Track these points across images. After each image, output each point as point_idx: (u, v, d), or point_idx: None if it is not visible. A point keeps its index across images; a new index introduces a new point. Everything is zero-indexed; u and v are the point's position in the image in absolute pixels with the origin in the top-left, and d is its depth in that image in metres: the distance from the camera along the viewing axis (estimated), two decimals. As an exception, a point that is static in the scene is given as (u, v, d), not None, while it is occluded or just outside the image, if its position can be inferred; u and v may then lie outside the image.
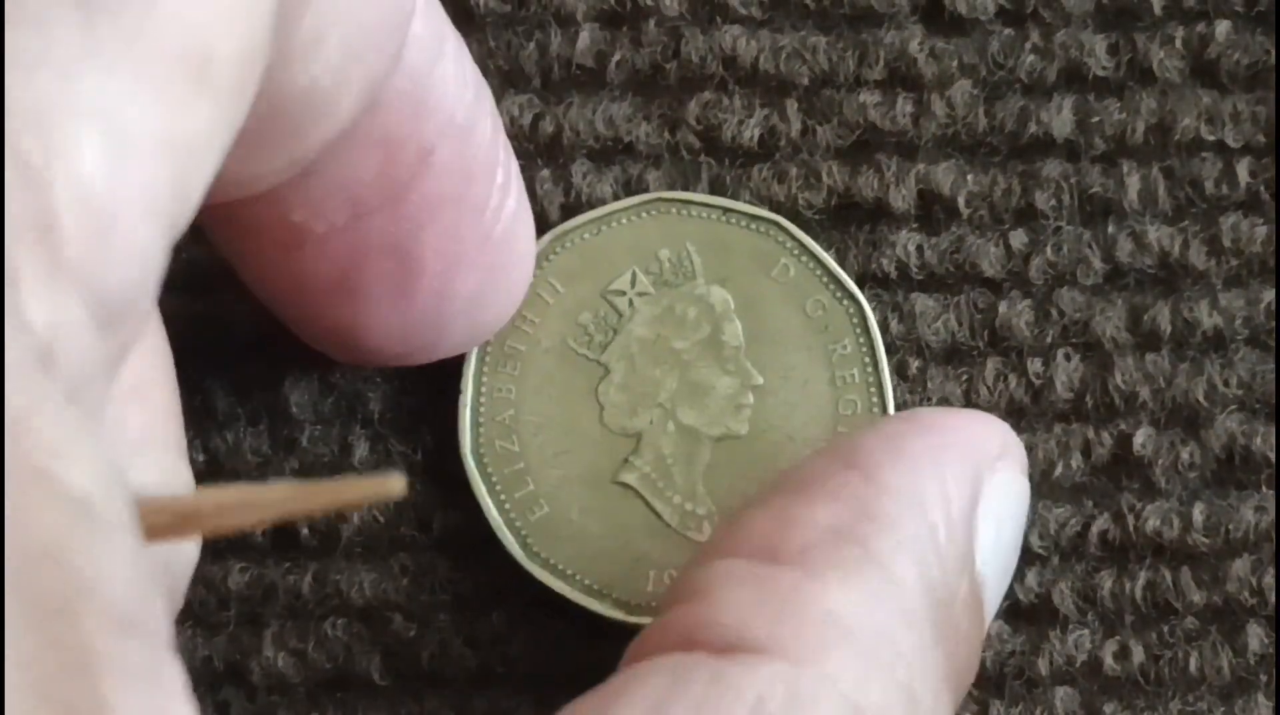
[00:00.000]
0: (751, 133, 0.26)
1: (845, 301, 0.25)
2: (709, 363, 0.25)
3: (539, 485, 0.25)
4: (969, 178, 0.26)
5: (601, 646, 0.25)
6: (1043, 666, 0.25)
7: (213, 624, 0.25)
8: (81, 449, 0.13)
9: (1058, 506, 0.26)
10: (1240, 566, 0.25)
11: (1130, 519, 0.25)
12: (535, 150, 0.26)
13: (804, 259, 0.25)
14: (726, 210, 0.26)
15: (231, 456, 0.26)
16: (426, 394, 0.26)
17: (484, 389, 0.25)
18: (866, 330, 0.25)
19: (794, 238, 0.25)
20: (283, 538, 0.26)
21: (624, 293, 0.25)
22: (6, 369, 0.13)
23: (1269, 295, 0.26)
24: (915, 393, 0.26)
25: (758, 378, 0.25)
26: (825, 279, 0.25)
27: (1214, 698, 0.25)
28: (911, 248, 0.26)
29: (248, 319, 0.25)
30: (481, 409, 0.25)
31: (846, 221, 0.26)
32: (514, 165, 0.23)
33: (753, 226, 0.25)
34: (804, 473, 0.21)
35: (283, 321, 0.24)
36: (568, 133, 0.26)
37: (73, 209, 0.13)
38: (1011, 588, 0.25)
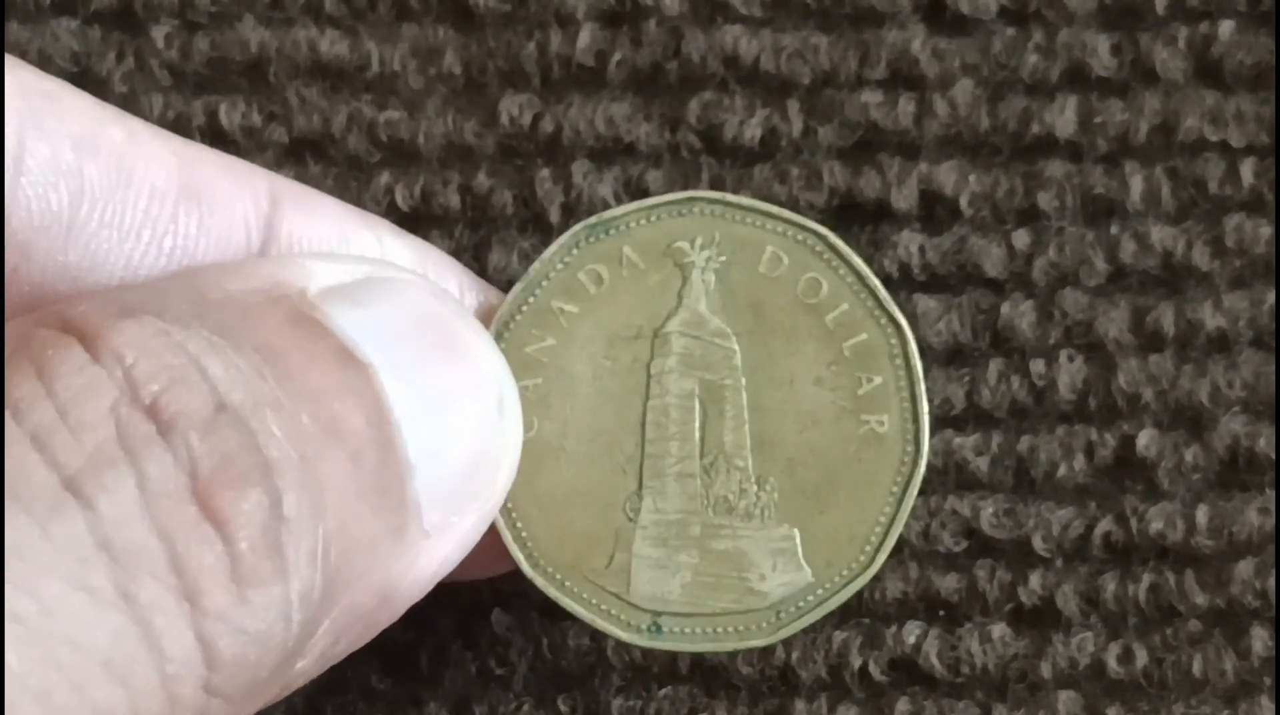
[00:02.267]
0: (753, 133, 0.26)
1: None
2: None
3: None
4: (971, 178, 0.26)
5: (600, 648, 0.25)
6: (1045, 669, 0.25)
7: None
8: None
9: (1061, 508, 0.26)
10: (1244, 569, 0.25)
11: (1133, 521, 0.25)
12: (535, 150, 0.26)
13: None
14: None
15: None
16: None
17: None
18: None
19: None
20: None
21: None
22: None
23: (1273, 296, 0.26)
24: (917, 394, 0.26)
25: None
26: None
27: (1217, 700, 0.25)
28: (914, 248, 0.26)
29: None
30: None
31: (848, 222, 0.26)
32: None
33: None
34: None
35: None
36: (568, 133, 0.26)
37: None
38: (1014, 590, 0.25)
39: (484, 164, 0.26)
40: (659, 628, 0.24)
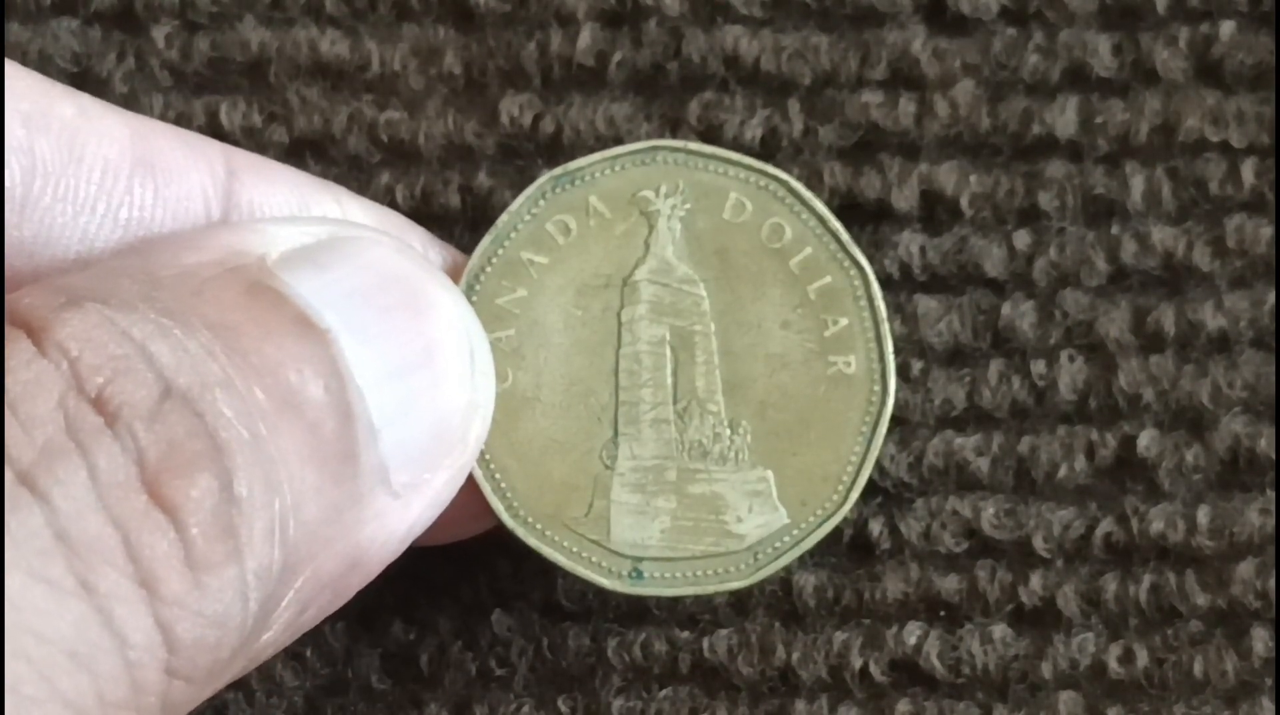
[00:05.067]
0: (753, 133, 0.26)
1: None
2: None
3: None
4: (972, 178, 0.26)
5: (601, 648, 0.25)
6: (1046, 670, 0.25)
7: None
8: None
9: (1061, 509, 0.25)
10: (1245, 569, 0.25)
11: (1134, 521, 0.25)
12: (535, 150, 0.26)
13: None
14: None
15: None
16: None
17: None
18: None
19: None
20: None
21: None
22: None
23: (1273, 297, 0.26)
24: (917, 394, 0.26)
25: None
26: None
27: (1218, 701, 0.25)
28: (914, 248, 0.26)
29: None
30: None
31: (849, 222, 0.26)
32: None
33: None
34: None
35: None
36: (568, 133, 0.26)
37: None
38: (1015, 591, 0.25)
39: (484, 164, 0.26)
40: (640, 573, 0.24)
